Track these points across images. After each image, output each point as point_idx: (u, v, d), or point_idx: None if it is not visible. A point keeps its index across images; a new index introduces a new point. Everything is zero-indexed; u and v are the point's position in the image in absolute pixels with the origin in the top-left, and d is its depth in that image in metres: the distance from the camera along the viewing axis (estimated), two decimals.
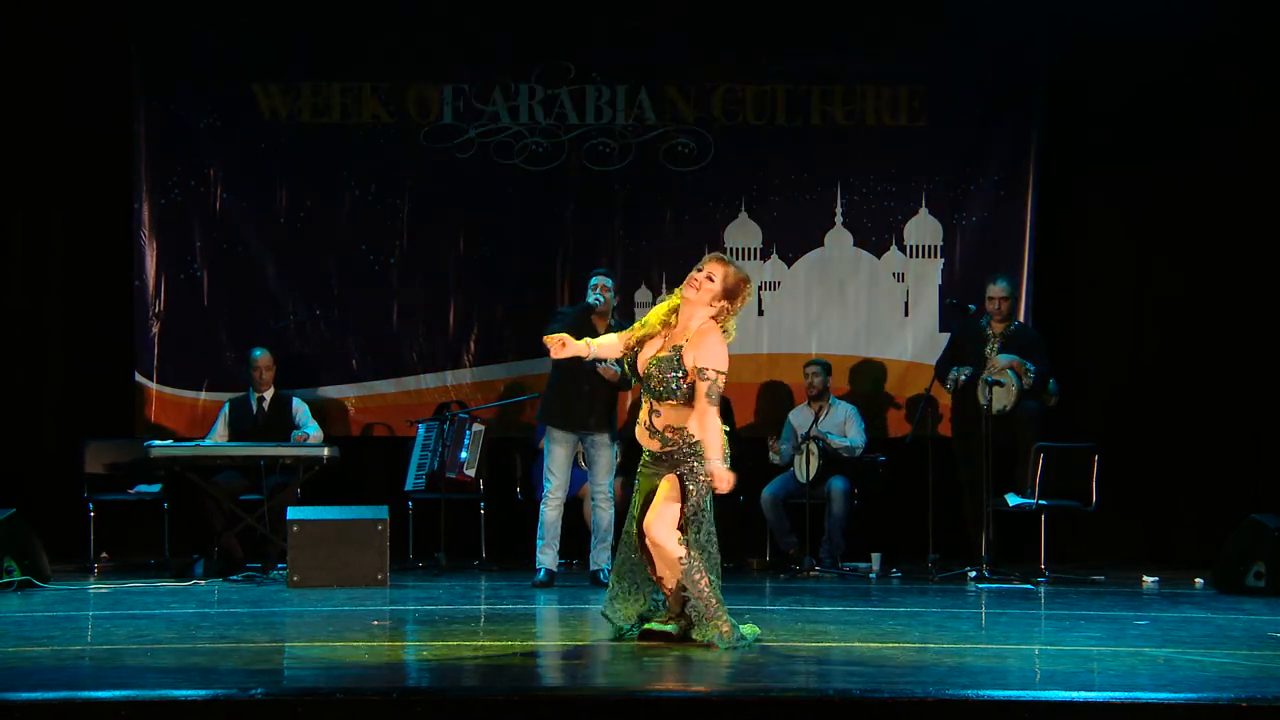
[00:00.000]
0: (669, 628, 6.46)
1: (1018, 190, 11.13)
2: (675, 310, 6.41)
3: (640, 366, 6.38)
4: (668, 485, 6.33)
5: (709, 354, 6.24)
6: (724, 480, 6.25)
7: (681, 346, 6.30)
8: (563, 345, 6.47)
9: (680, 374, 6.26)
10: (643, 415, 6.39)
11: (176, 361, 11.06)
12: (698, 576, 6.28)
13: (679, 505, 6.32)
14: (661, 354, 6.33)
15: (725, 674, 5.76)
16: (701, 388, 6.22)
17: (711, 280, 6.31)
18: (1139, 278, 11.15)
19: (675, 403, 6.30)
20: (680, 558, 6.28)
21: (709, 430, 6.22)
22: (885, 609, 8.10)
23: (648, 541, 6.38)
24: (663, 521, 6.30)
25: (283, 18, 11.11)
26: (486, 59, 11.20)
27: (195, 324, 11.10)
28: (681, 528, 6.31)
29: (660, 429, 6.32)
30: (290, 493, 9.81)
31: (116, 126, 11.01)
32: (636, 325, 6.56)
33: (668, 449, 6.33)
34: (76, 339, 11.09)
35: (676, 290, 6.45)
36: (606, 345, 6.64)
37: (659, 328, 6.43)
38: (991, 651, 6.50)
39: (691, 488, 6.30)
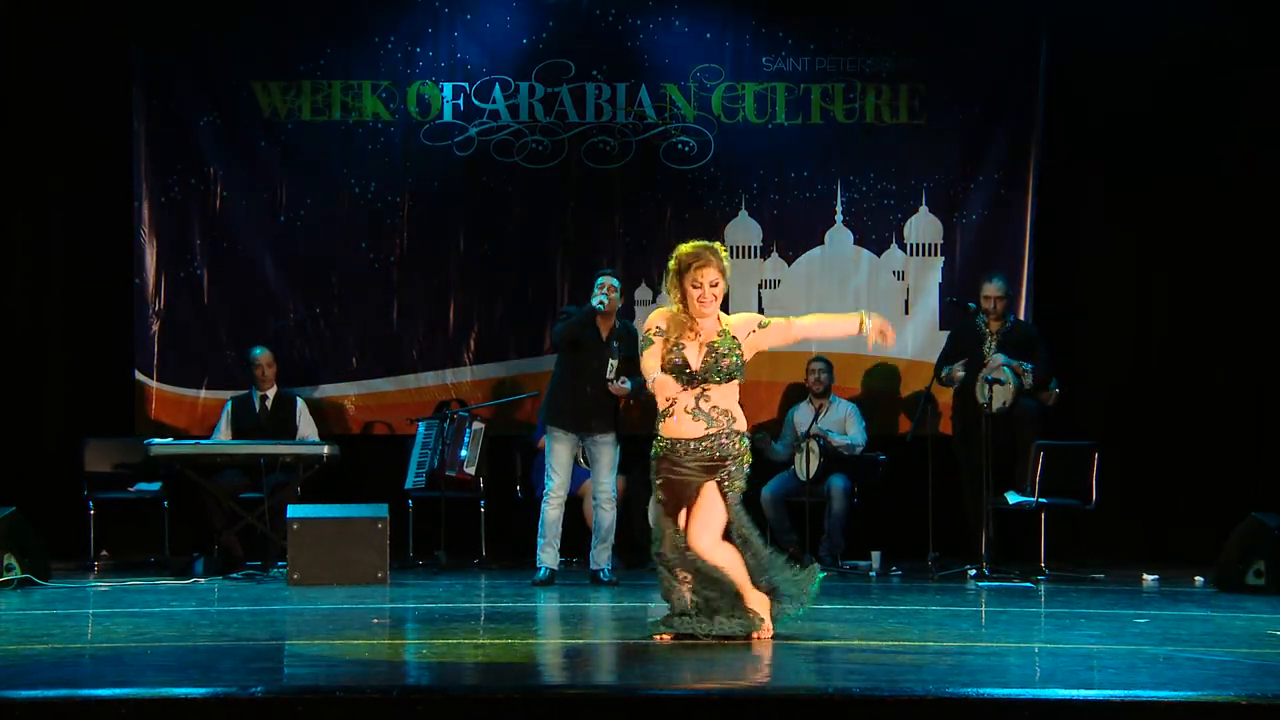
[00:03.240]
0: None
1: (1018, 189, 11.13)
2: (680, 318, 6.51)
3: (696, 365, 6.45)
4: (707, 495, 6.51)
5: (751, 319, 6.65)
6: (881, 327, 6.60)
7: (729, 335, 6.49)
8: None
9: (739, 356, 6.49)
10: (683, 404, 6.45)
11: (176, 360, 11.07)
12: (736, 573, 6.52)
13: (720, 515, 6.52)
14: (714, 343, 6.47)
15: (725, 673, 5.76)
16: (779, 323, 6.64)
17: (716, 286, 6.48)
18: (1139, 277, 11.15)
19: (725, 385, 6.49)
20: (721, 566, 6.48)
21: (824, 322, 7.05)
22: (885, 607, 8.10)
23: (705, 557, 6.50)
24: (707, 533, 6.51)
25: (283, 16, 11.11)
26: (486, 57, 11.20)
27: (195, 322, 11.10)
28: (726, 536, 6.53)
29: (707, 410, 6.46)
30: (290, 491, 9.81)
31: (116, 125, 11.02)
32: (659, 340, 6.52)
33: (711, 430, 6.46)
34: (77, 337, 11.10)
35: (675, 305, 6.53)
36: (652, 369, 6.59)
37: (679, 331, 6.52)
38: (991, 650, 6.50)
39: (729, 495, 6.53)
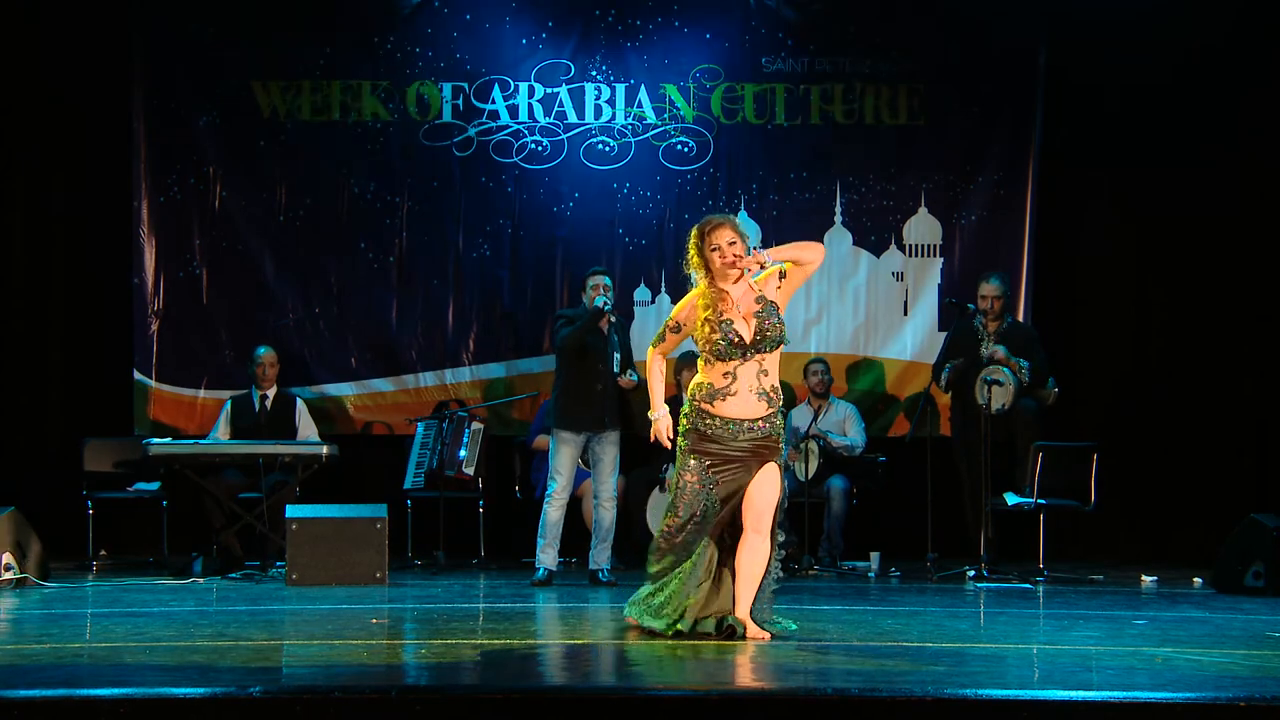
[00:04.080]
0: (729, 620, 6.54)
1: (1017, 190, 11.14)
2: (710, 295, 6.48)
3: (749, 336, 6.41)
4: (769, 473, 6.49)
5: (772, 274, 6.56)
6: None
7: (767, 301, 6.49)
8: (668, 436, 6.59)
9: (780, 319, 6.49)
10: (747, 383, 6.42)
11: (176, 359, 11.07)
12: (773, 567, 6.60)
13: (776, 495, 6.53)
14: (757, 312, 6.45)
15: (724, 673, 5.76)
16: (786, 270, 6.53)
17: (734, 245, 6.45)
18: (1139, 277, 11.16)
19: (775, 354, 6.48)
20: (761, 557, 6.52)
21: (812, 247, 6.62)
22: (884, 608, 8.10)
23: (756, 534, 6.48)
24: (768, 515, 6.51)
25: (283, 16, 11.11)
26: (486, 57, 11.20)
27: (194, 322, 11.10)
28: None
29: (768, 390, 6.48)
30: (289, 491, 9.81)
31: (116, 125, 11.02)
32: (671, 333, 6.58)
33: (770, 410, 6.48)
34: (76, 337, 11.10)
35: (700, 285, 6.53)
36: (659, 382, 6.65)
37: (706, 312, 6.48)
38: (990, 651, 6.49)
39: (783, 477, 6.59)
